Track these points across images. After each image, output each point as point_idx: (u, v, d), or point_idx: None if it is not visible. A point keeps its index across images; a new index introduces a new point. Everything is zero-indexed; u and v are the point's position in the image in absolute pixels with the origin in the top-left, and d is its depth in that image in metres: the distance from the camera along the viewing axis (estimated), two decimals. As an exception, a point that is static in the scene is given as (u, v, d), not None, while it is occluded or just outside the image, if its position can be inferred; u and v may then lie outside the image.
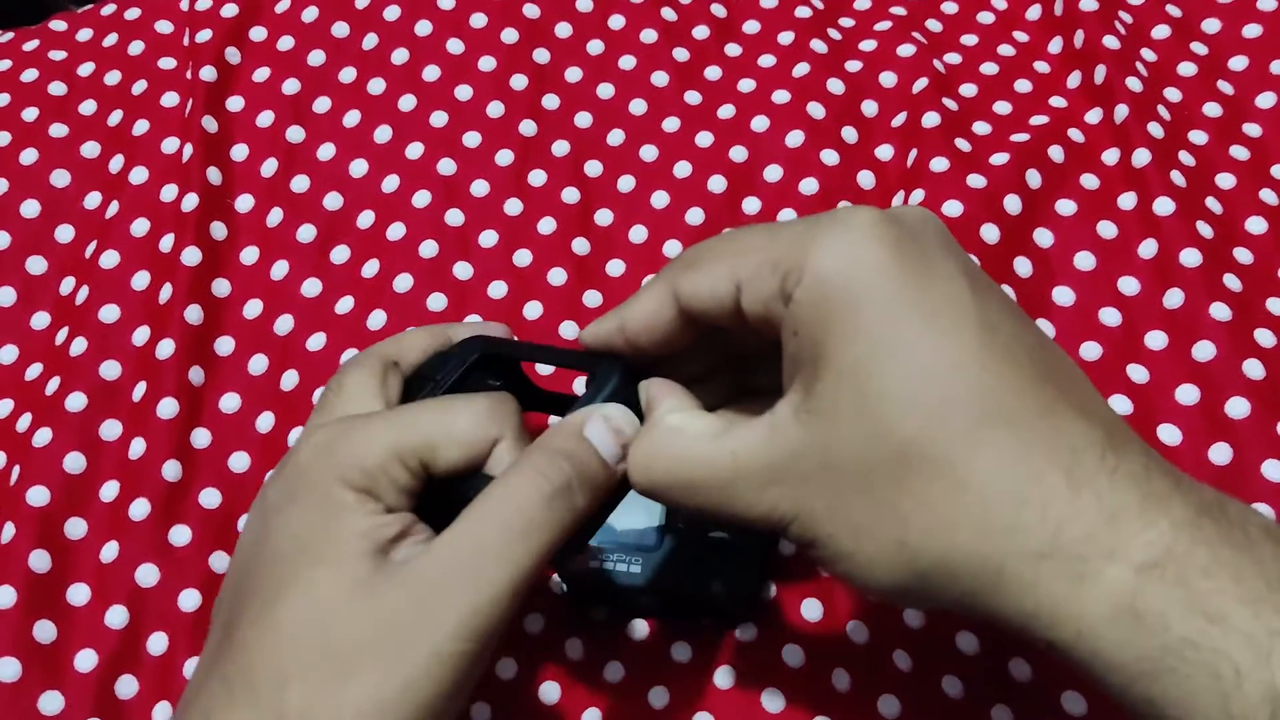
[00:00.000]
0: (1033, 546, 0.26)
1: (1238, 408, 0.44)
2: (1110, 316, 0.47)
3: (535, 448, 0.31)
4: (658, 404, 0.32)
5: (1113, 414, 0.29)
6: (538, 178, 0.52)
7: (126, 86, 0.56)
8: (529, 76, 0.55)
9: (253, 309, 0.50)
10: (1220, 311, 0.46)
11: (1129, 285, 0.48)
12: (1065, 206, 0.50)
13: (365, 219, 0.52)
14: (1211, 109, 0.53)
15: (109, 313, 0.49)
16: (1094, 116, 0.52)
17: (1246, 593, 0.25)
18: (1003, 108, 0.54)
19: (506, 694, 0.41)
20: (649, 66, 0.55)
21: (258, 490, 0.34)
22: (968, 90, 0.55)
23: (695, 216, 0.51)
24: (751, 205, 0.51)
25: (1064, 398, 0.28)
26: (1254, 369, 0.45)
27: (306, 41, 0.57)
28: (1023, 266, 0.49)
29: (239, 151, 0.54)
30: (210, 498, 0.45)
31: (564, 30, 0.57)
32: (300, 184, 0.53)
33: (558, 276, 0.50)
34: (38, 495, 0.44)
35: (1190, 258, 0.47)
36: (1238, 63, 0.54)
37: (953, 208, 0.49)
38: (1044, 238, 0.50)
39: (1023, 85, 0.54)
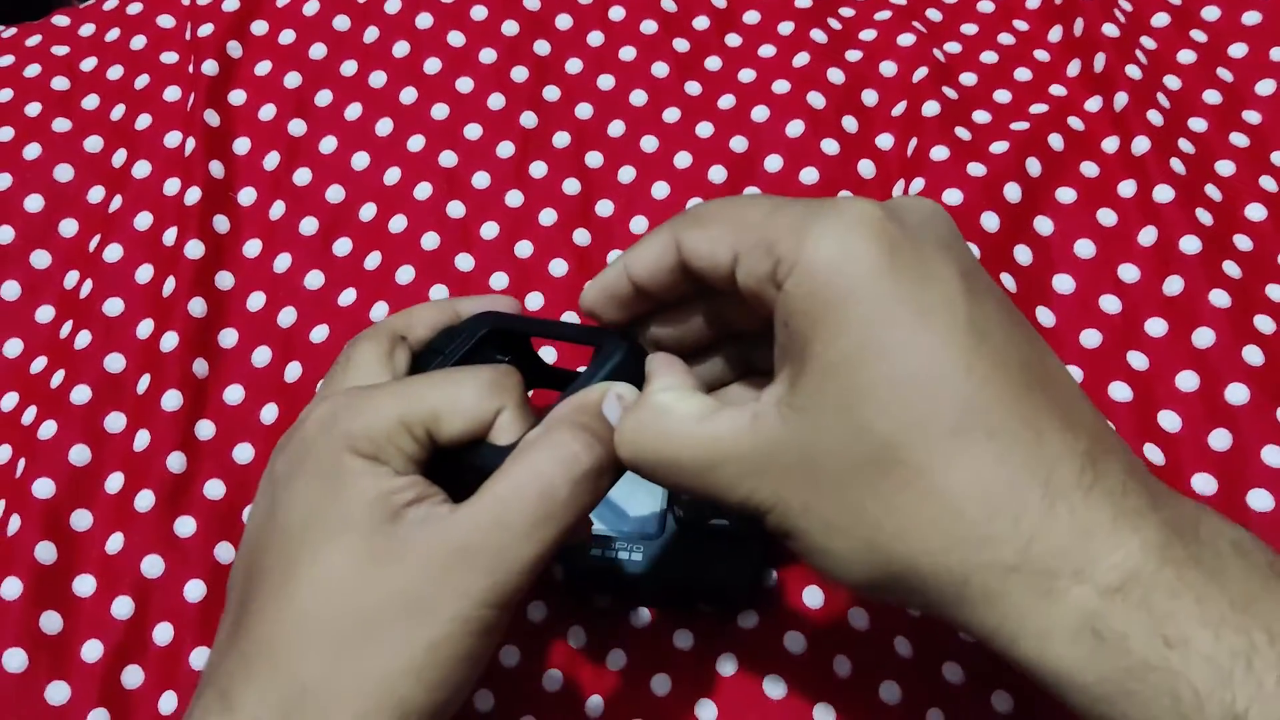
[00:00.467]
0: (1002, 559, 0.26)
1: (1237, 394, 0.44)
2: (1110, 304, 0.48)
3: (559, 423, 0.31)
4: (653, 380, 0.32)
5: (1100, 424, 0.28)
6: (539, 169, 0.52)
7: (129, 81, 0.56)
8: (529, 68, 0.55)
9: (256, 301, 0.50)
10: (1220, 298, 0.46)
11: (1129, 272, 0.48)
12: (1065, 194, 0.50)
13: (367, 211, 0.52)
14: (1211, 96, 0.53)
15: (113, 306, 0.49)
16: (1094, 104, 0.52)
17: (1209, 615, 0.25)
18: (1003, 96, 0.54)
19: (509, 682, 0.41)
20: (649, 57, 0.55)
21: (262, 481, 0.34)
22: (968, 79, 0.55)
23: (696, 204, 0.51)
24: (752, 195, 0.51)
25: (1049, 408, 0.27)
26: (1254, 355, 0.45)
27: (308, 35, 0.57)
28: (1023, 255, 0.49)
29: (241, 145, 0.54)
30: (215, 489, 0.45)
31: (564, 22, 0.57)
32: (302, 177, 0.53)
33: (559, 268, 0.50)
34: (43, 487, 0.44)
35: (1190, 245, 0.47)
36: (1237, 50, 0.54)
37: (953, 196, 0.49)
38: (1044, 226, 0.50)
39: (1023, 74, 0.54)
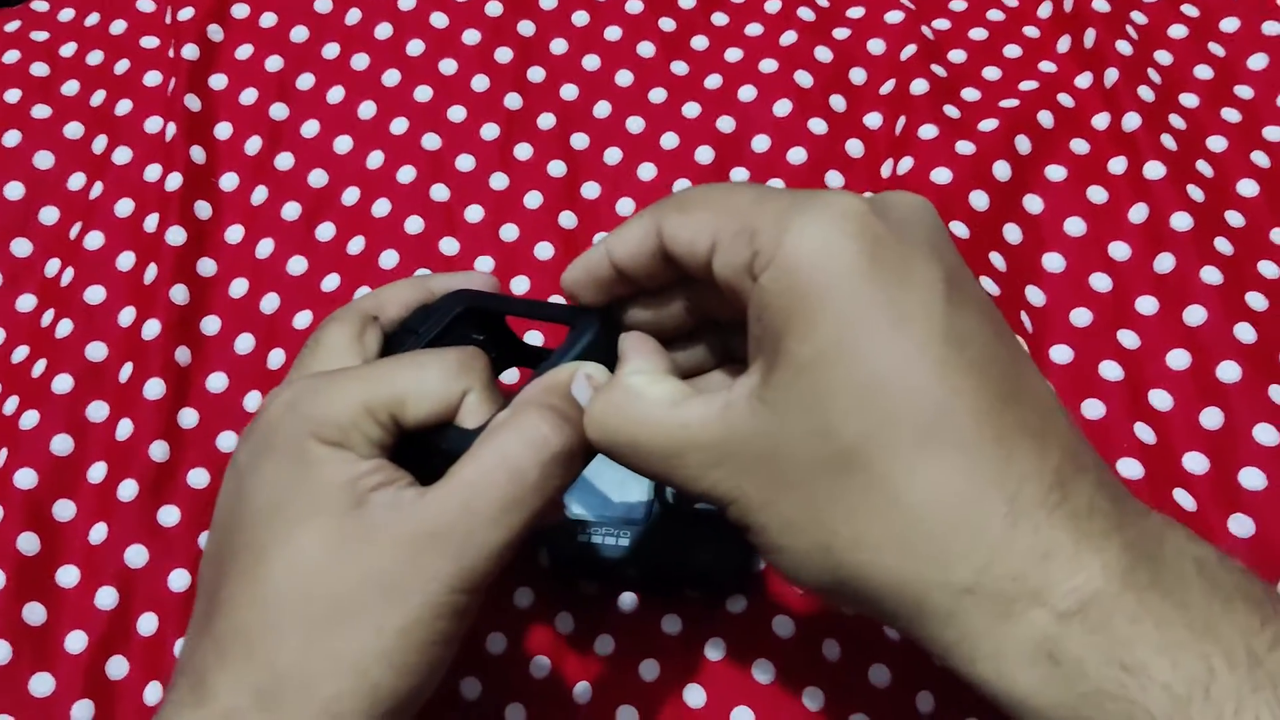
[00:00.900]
0: (958, 578, 0.26)
1: (1229, 372, 0.44)
2: (1101, 282, 0.47)
3: (527, 404, 0.31)
4: (626, 361, 0.32)
5: (1075, 440, 0.27)
6: (523, 151, 0.52)
7: (109, 66, 0.56)
8: (513, 49, 0.54)
9: (239, 288, 0.49)
10: (1211, 275, 0.46)
11: (1119, 250, 0.48)
12: (1055, 172, 0.50)
13: (350, 195, 0.51)
14: (1202, 71, 0.52)
15: (94, 294, 0.48)
16: (1084, 81, 0.52)
17: (1168, 640, 0.24)
18: (992, 73, 0.53)
19: (497, 668, 0.41)
20: (635, 37, 0.55)
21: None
22: (956, 56, 0.54)
23: (683, 188, 0.50)
24: (740, 176, 0.51)
25: (1023, 424, 0.26)
26: (1245, 333, 0.45)
27: (289, 18, 0.56)
28: (1012, 233, 0.48)
29: (223, 130, 0.53)
30: (199, 477, 0.45)
31: (548, 2, 0.56)
32: (285, 161, 0.52)
33: (545, 250, 0.49)
34: (25, 478, 0.44)
35: (1181, 221, 0.47)
36: (1229, 24, 0.54)
37: (942, 175, 0.48)
38: (1034, 204, 0.49)
39: (1012, 50, 0.54)
